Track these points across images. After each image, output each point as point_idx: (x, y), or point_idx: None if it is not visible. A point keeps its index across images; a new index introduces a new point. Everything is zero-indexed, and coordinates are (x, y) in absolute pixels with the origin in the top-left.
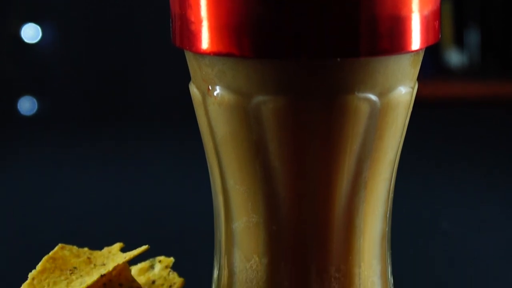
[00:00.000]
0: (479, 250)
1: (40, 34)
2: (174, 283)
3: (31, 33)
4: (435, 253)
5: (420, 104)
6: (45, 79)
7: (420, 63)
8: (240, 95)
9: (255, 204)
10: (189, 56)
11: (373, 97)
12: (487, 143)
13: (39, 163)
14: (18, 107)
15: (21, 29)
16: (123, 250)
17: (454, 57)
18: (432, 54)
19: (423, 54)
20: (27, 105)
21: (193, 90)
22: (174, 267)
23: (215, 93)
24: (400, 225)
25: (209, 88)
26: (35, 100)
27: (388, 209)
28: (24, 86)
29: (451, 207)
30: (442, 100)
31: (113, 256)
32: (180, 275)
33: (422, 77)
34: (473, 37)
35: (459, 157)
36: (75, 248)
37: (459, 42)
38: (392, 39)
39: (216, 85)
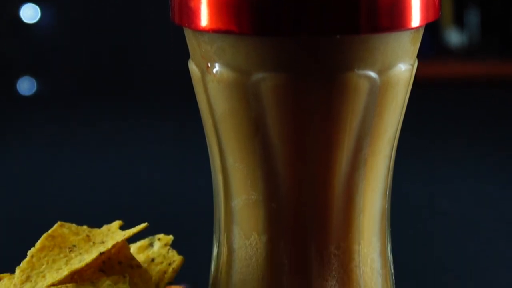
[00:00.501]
0: (478, 228)
1: (39, 14)
2: (174, 261)
3: (30, 13)
4: (434, 231)
5: (420, 84)
6: (44, 59)
7: (420, 40)
8: (239, 72)
9: (254, 182)
10: (188, 34)
11: (372, 74)
12: (486, 123)
13: (38, 142)
14: (18, 87)
15: (20, 9)
16: (122, 228)
17: (454, 37)
18: (432, 34)
19: (423, 31)
20: (26, 85)
21: (192, 67)
22: (173, 245)
23: (214, 70)
24: (399, 204)
25: (208, 66)
26: (34, 80)
27: (388, 186)
28: (23, 67)
29: (451, 185)
30: (441, 79)
31: (112, 234)
32: (179, 253)
33: (422, 57)
34: (473, 17)
35: (459, 136)
36: (74, 226)
37: (459, 22)
38: (392, 16)
39: (215, 62)
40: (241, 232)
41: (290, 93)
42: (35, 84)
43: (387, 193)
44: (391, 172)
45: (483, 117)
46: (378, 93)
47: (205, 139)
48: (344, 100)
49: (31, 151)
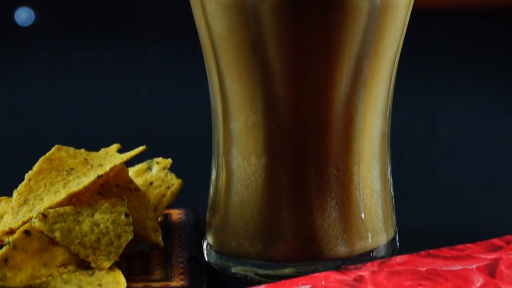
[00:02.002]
0: (479, 152)
1: None
2: (172, 184)
3: None
4: (435, 155)
5: (421, 11)
6: None
7: None
8: None
9: (253, 103)
10: None
11: None
12: (488, 49)
13: (36, 68)
14: (15, 18)
15: None
16: (121, 151)
17: None
18: None
19: None
20: (24, 16)
21: None
22: (172, 169)
23: None
24: (400, 128)
25: None
26: (31, 11)
27: (388, 108)
28: None
29: (452, 110)
30: (443, 7)
31: (110, 157)
32: (177, 176)
33: None
34: None
35: (460, 62)
36: (71, 149)
37: None
38: None
39: None
40: (240, 154)
41: (289, 13)
42: (33, 15)
43: (387, 115)
44: (391, 94)
45: (485, 44)
46: (378, 13)
47: (203, 62)
48: (343, 21)
49: (29, 76)
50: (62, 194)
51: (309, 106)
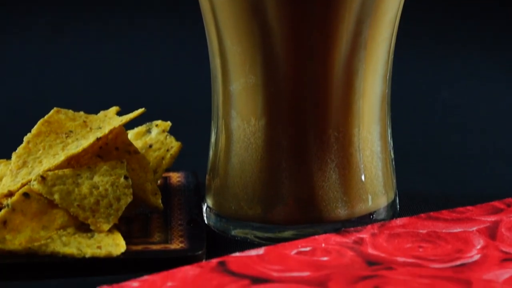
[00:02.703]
0: (479, 116)
1: None
2: (171, 147)
3: None
4: (435, 119)
5: None
6: None
7: None
8: None
9: (252, 65)
10: None
11: None
12: (489, 15)
13: (37, 33)
14: None
15: None
16: (120, 114)
17: None
18: None
19: None
20: None
21: None
22: (171, 132)
23: None
24: (400, 92)
25: None
26: None
27: (388, 71)
28: None
29: (453, 76)
30: None
31: (109, 120)
32: (177, 139)
33: None
34: None
35: (462, 27)
36: (70, 112)
37: None
38: None
39: None
40: (239, 117)
41: None
42: None
43: (388, 77)
44: (391, 57)
45: (486, 10)
46: None
47: (203, 25)
48: None
49: (27, 41)
50: (61, 157)
51: (308, 68)
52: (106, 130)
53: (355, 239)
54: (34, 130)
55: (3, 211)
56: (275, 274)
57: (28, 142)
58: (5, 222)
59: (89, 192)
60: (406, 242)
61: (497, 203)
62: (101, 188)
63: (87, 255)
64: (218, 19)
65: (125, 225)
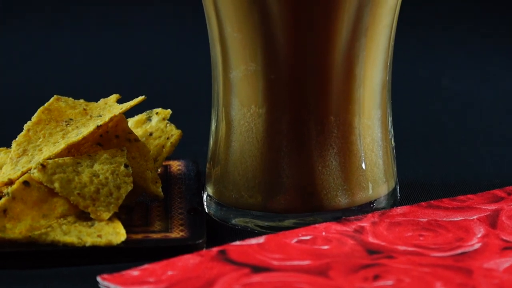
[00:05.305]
0: (480, 105)
1: None
2: (172, 135)
3: None
4: (436, 107)
5: None
6: None
7: None
8: None
9: (253, 52)
10: None
11: None
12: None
13: (37, 21)
14: None
15: None
16: (120, 102)
17: None
18: None
19: None
20: None
21: None
22: (172, 120)
23: None
24: (401, 80)
25: None
26: None
27: (389, 58)
28: None
29: (453, 63)
30: None
31: (109, 107)
32: (177, 127)
33: None
34: None
35: (463, 15)
36: (70, 99)
37: None
38: None
39: None
40: (240, 104)
41: None
42: None
43: (388, 65)
44: (392, 44)
45: None
46: None
47: (203, 11)
48: None
49: (27, 27)
50: (61, 145)
51: (309, 55)
52: (106, 118)
53: (356, 227)
54: (34, 118)
55: (3, 199)
56: (275, 263)
57: (28, 130)
58: (5, 211)
59: (89, 181)
60: (406, 231)
61: (497, 192)
62: (101, 177)
63: (87, 244)
64: (218, 5)
65: (126, 214)
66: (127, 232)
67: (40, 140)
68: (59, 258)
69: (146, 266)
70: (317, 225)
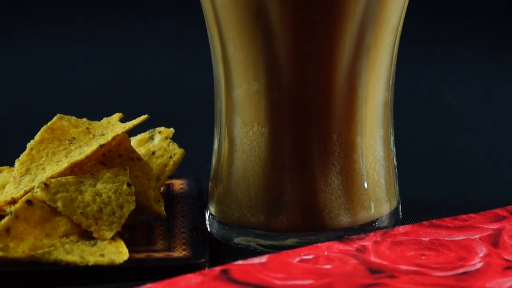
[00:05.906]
0: (482, 122)
1: None
2: (174, 154)
3: None
4: (438, 125)
5: None
6: None
7: None
8: None
9: (255, 71)
10: None
11: None
12: (492, 18)
13: (39, 39)
14: None
15: None
16: (123, 121)
17: None
18: None
19: None
20: None
21: None
22: (174, 138)
23: None
24: (403, 98)
25: None
26: None
27: (391, 76)
28: None
29: (454, 80)
30: None
31: (112, 126)
32: (180, 146)
33: None
34: None
35: (464, 31)
36: (73, 118)
37: None
38: None
39: None
40: (242, 123)
41: None
42: None
43: (391, 83)
44: (394, 62)
45: (488, 13)
46: None
47: (206, 30)
48: None
49: (31, 45)
50: (64, 164)
51: (311, 74)
52: (109, 137)
53: (358, 247)
54: (37, 137)
55: (6, 218)
56: (278, 282)
57: (31, 149)
58: (8, 230)
59: (92, 200)
60: (408, 250)
61: (499, 211)
62: (104, 196)
63: (90, 263)
64: (221, 24)
65: (128, 233)
66: (129, 251)
67: (43, 159)
68: (62, 277)
69: (148, 285)
70: (319, 244)
